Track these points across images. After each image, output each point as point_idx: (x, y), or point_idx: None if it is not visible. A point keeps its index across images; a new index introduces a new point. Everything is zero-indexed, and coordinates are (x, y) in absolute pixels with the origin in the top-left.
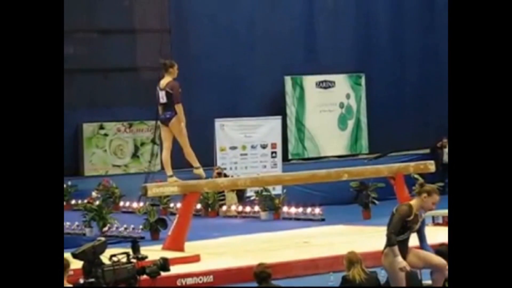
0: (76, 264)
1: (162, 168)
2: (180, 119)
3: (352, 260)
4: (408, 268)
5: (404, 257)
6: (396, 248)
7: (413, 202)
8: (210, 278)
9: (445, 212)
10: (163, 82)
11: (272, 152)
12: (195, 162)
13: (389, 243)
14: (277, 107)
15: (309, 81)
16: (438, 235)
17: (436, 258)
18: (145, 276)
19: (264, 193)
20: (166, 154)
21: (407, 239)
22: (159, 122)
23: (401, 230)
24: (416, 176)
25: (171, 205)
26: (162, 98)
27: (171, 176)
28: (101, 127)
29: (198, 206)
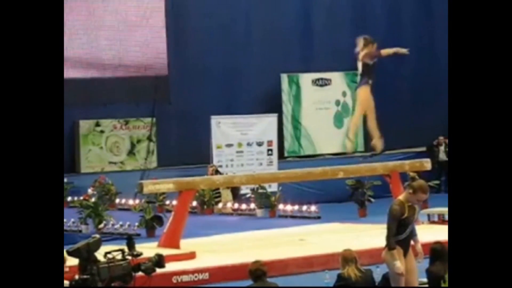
0: (72, 261)
1: (158, 165)
2: (367, 91)
3: (347, 258)
4: (403, 274)
5: (406, 254)
6: (395, 252)
7: (402, 196)
8: (205, 276)
9: (440, 210)
10: (362, 54)
11: (268, 150)
12: (376, 133)
13: (388, 247)
14: (273, 105)
15: (306, 78)
16: (433, 233)
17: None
18: (140, 273)
19: (260, 190)
20: (354, 119)
21: (408, 236)
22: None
23: (400, 229)
24: (412, 174)
25: (167, 202)
26: (359, 69)
27: (349, 138)
28: (97, 124)
29: (194, 203)
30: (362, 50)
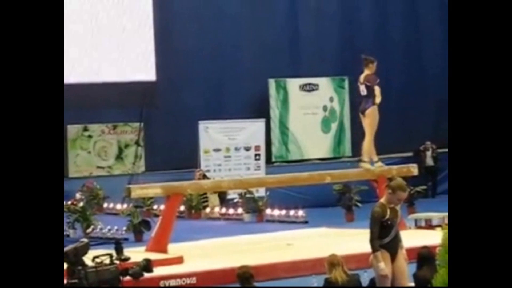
0: None
1: (146, 170)
2: (374, 112)
3: (333, 262)
4: (389, 276)
5: (394, 258)
6: (378, 254)
7: (383, 199)
8: (193, 280)
9: (427, 215)
10: (362, 76)
11: (256, 155)
12: (374, 156)
13: (372, 250)
14: (261, 110)
15: (293, 84)
16: (420, 238)
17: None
18: (128, 278)
19: (248, 195)
20: (366, 141)
21: (394, 239)
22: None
23: (383, 231)
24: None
25: (155, 207)
26: (363, 91)
27: (364, 161)
28: (85, 129)
29: (182, 208)
30: (363, 71)
